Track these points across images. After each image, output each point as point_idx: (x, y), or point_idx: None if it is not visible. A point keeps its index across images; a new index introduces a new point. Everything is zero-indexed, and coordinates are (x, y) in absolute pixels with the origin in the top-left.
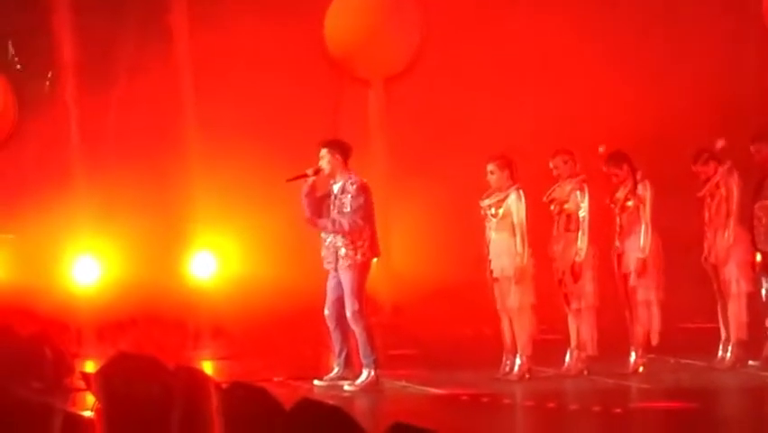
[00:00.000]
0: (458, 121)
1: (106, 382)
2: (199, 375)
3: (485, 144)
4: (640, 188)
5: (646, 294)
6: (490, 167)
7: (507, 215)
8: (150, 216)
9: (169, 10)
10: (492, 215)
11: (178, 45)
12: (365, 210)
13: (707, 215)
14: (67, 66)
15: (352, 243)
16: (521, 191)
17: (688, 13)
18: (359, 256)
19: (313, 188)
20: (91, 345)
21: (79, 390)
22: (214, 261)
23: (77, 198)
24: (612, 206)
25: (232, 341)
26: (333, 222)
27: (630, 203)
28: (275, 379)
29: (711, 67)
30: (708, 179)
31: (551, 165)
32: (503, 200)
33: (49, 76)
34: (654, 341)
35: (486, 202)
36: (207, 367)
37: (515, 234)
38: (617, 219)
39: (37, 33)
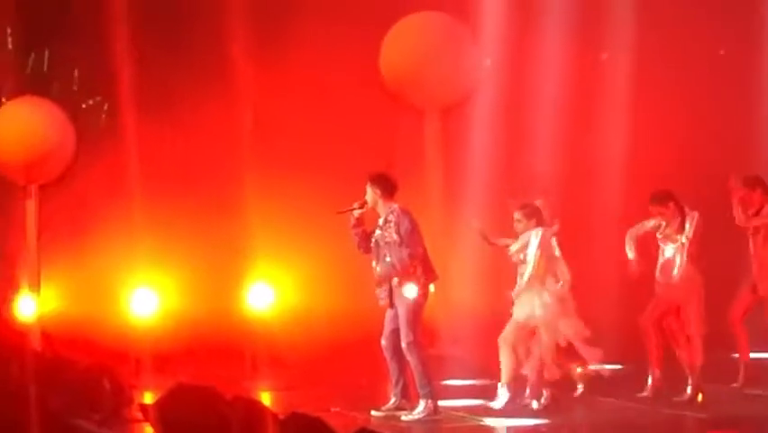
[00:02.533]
0: (512, 152)
1: (164, 414)
2: (257, 406)
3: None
4: (688, 223)
5: (690, 328)
6: (517, 215)
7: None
8: (208, 248)
9: (228, 42)
10: (521, 260)
11: (237, 77)
12: (411, 236)
13: (752, 247)
14: (126, 98)
15: (404, 270)
16: (540, 231)
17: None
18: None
19: (360, 220)
20: (149, 377)
21: (138, 421)
22: (271, 292)
23: (134, 231)
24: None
25: (289, 372)
26: (393, 266)
27: (680, 237)
28: (332, 409)
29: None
30: (757, 212)
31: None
32: (526, 245)
33: (105, 108)
34: (695, 373)
35: (513, 248)
36: (265, 398)
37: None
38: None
39: (97, 67)
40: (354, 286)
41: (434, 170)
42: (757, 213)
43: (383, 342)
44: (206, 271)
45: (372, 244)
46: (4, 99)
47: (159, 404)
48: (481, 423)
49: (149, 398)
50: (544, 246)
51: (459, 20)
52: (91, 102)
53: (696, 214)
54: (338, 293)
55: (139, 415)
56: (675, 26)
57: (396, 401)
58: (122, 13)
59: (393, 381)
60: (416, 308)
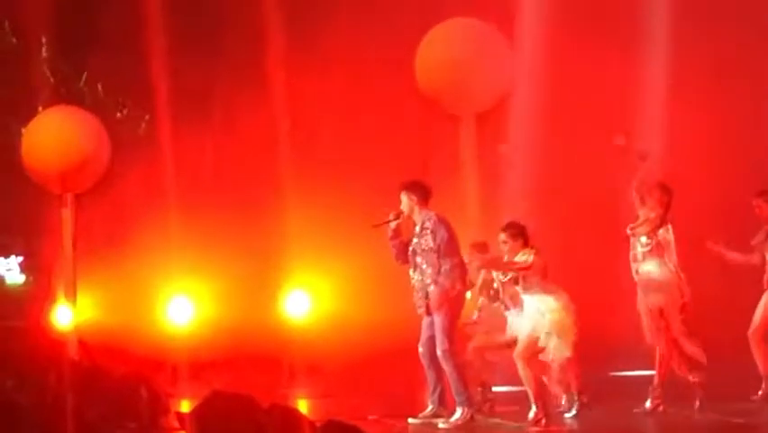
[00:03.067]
0: (548, 157)
1: (201, 422)
2: (294, 414)
3: (580, 180)
4: (663, 231)
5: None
6: (502, 237)
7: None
8: (244, 255)
9: (263, 53)
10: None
11: (273, 85)
12: (448, 244)
13: None
14: (161, 106)
15: (452, 283)
16: (529, 251)
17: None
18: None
19: (397, 231)
20: (186, 385)
21: (174, 429)
22: (308, 299)
23: (170, 239)
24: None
25: (326, 379)
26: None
27: (649, 240)
28: (369, 417)
29: None
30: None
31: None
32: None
33: (146, 118)
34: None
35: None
36: (302, 406)
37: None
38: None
39: (133, 76)
40: (391, 293)
41: (470, 177)
42: None
43: (420, 349)
44: (243, 279)
45: (410, 253)
46: (39, 108)
47: (195, 413)
48: (518, 428)
49: (185, 406)
50: (535, 266)
51: (494, 25)
52: (126, 111)
53: (671, 226)
54: (375, 300)
55: (176, 424)
56: (712, 31)
57: (433, 409)
58: (158, 22)
59: (430, 388)
60: (452, 315)
